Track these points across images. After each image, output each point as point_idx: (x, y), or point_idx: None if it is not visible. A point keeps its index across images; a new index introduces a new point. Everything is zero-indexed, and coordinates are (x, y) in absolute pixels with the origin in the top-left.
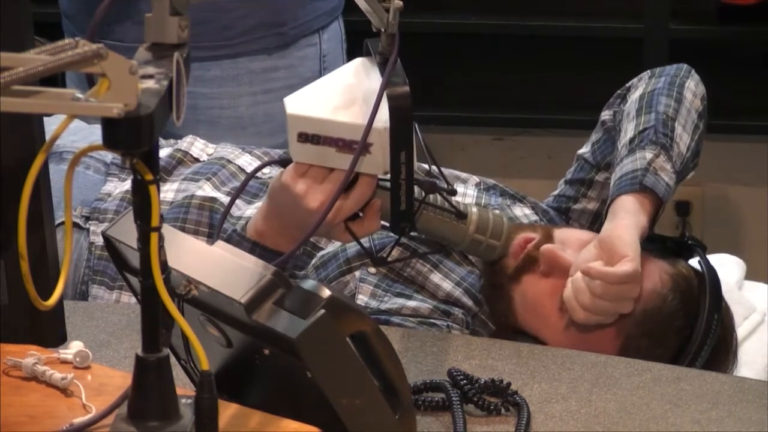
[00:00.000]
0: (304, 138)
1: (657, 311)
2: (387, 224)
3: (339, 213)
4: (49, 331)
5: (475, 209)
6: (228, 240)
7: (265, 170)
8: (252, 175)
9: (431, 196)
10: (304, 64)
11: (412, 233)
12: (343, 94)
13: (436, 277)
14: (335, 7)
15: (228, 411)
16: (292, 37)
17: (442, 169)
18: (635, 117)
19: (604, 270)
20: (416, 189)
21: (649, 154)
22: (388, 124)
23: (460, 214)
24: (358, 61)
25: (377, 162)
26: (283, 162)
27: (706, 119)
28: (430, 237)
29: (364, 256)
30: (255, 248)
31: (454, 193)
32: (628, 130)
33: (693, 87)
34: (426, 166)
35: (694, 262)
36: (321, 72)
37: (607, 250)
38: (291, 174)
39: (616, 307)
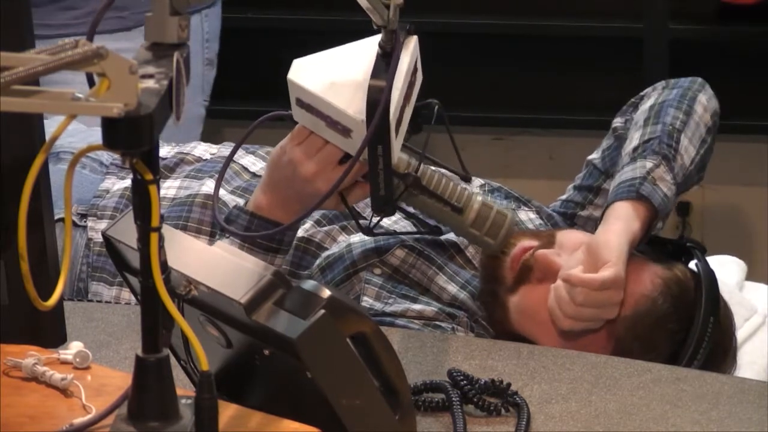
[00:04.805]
0: (300, 104)
1: (647, 315)
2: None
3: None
4: (49, 331)
5: (479, 200)
6: (227, 217)
7: None
8: (252, 130)
9: (434, 182)
10: None
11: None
12: (349, 71)
13: (441, 280)
14: None
15: (228, 411)
16: (134, 22)
17: (448, 169)
18: (642, 126)
19: (584, 277)
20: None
21: (649, 164)
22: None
23: (456, 208)
24: None
25: (356, 147)
26: (289, 116)
27: (715, 134)
28: (430, 218)
29: (369, 257)
30: (253, 219)
31: (468, 180)
32: (633, 139)
33: (704, 101)
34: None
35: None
36: None
37: (592, 255)
38: (290, 140)
39: (600, 314)
